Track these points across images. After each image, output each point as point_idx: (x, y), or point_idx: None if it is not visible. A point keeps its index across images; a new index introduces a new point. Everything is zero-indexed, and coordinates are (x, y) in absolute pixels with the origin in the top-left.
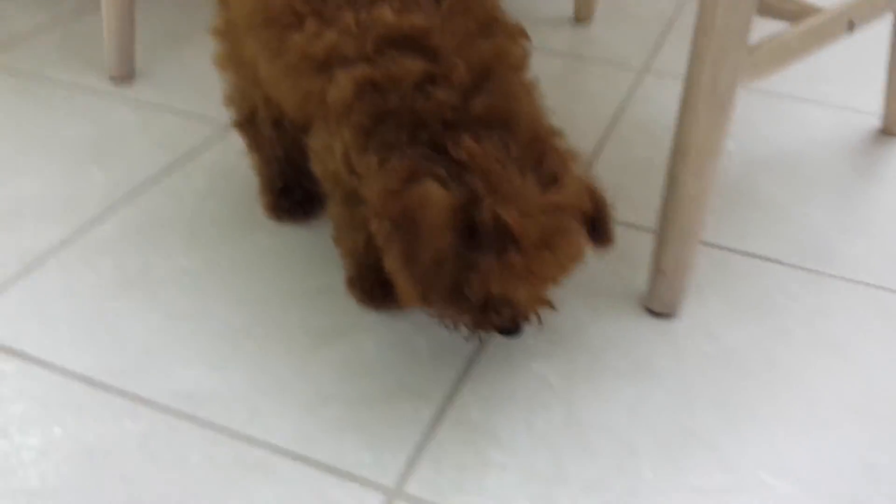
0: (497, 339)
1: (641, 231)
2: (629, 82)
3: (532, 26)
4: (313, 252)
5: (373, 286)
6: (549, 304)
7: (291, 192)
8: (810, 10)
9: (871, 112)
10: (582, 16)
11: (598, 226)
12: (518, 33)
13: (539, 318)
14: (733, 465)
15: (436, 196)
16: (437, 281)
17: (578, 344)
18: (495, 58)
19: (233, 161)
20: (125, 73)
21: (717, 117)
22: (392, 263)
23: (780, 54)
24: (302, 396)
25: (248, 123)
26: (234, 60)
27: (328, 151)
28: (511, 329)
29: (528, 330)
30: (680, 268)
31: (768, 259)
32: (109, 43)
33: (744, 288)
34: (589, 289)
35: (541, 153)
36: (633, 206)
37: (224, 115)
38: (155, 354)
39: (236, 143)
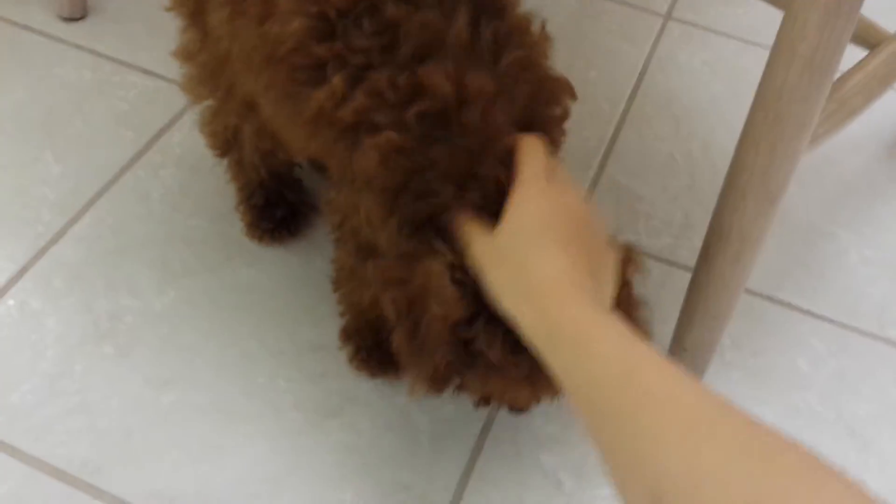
0: (504, 421)
1: (662, 263)
2: (650, 34)
3: None
4: (302, 290)
5: (371, 347)
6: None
7: (274, 209)
8: (876, 36)
9: None
10: None
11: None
12: (565, 91)
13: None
14: None
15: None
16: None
17: None
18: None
19: (203, 146)
20: (77, 13)
21: (766, 206)
22: (398, 346)
23: (842, 116)
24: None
25: (227, 149)
26: (210, 86)
27: (355, 210)
28: (520, 411)
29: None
30: (705, 347)
31: (791, 306)
32: None
33: (766, 346)
34: None
35: None
36: (652, 226)
37: None
38: (133, 439)
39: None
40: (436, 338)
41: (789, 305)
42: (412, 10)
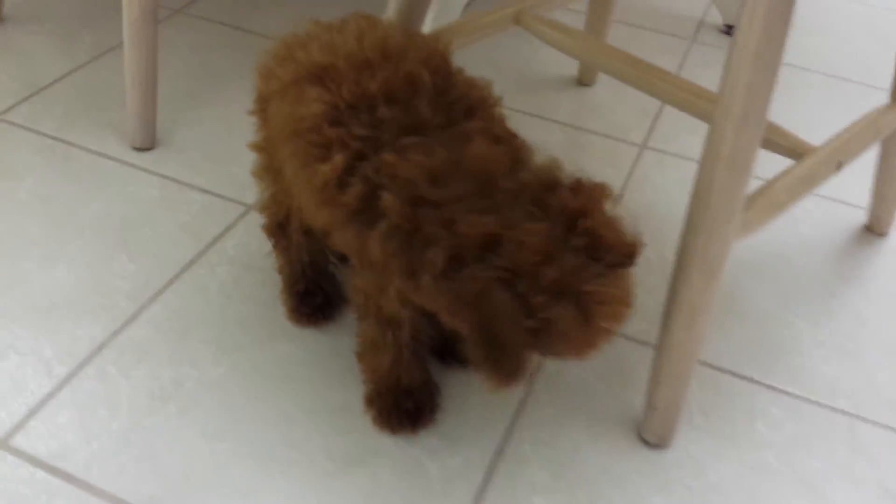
0: (503, 470)
1: (638, 344)
2: (629, 160)
3: (535, 89)
4: (332, 363)
5: (391, 409)
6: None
7: (313, 296)
8: (802, 148)
9: (859, 206)
10: (586, 79)
11: None
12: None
13: None
14: None
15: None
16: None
17: (577, 477)
18: None
19: (252, 248)
20: (147, 144)
21: (708, 279)
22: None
23: (770, 209)
24: None
25: (278, 229)
26: (270, 171)
27: (380, 291)
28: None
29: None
30: (672, 406)
31: (752, 380)
32: (133, 117)
33: (729, 413)
34: (588, 411)
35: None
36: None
37: (242, 196)
38: (192, 480)
39: (253, 228)
40: (515, 344)
41: (751, 380)
42: (400, 110)
